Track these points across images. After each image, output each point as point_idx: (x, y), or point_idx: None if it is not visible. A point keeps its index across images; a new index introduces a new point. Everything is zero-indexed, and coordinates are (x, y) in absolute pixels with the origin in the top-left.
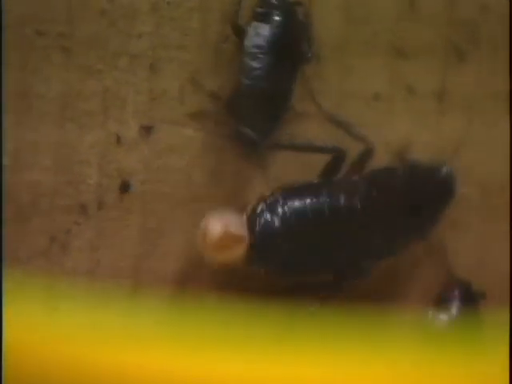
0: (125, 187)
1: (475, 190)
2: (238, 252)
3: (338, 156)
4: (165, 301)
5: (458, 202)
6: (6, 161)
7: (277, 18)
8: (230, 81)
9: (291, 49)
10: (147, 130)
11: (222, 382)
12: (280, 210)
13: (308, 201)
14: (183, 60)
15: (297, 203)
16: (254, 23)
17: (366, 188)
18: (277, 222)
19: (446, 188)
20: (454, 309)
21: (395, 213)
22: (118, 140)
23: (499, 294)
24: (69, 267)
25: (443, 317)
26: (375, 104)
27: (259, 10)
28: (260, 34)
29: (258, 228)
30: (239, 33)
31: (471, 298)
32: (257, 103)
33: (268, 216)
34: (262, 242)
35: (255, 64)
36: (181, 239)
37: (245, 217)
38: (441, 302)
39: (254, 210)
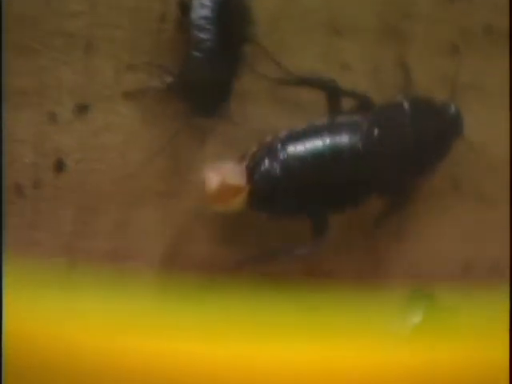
0: (60, 166)
1: None
2: (238, 201)
3: (332, 91)
4: (101, 279)
5: None
6: None
7: None
8: (170, 59)
9: (235, 19)
10: (82, 108)
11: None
12: (279, 154)
13: (308, 143)
14: (119, 39)
15: (296, 147)
16: None
17: (368, 126)
18: (276, 167)
19: (453, 126)
20: None
21: (400, 150)
22: (54, 119)
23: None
24: (5, 246)
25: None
26: None
27: None
28: (204, 4)
29: (257, 175)
30: (184, 8)
31: None
32: (208, 75)
33: (267, 162)
34: (262, 189)
35: (203, 35)
36: (117, 217)
37: (244, 165)
38: None
39: (253, 157)
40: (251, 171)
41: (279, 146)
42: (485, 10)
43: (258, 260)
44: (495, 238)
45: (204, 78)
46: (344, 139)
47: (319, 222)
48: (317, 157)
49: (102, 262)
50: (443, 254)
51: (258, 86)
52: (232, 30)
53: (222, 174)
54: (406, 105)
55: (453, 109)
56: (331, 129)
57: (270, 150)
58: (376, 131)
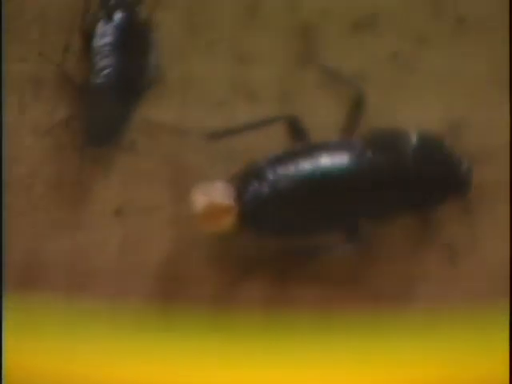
0: None
1: None
2: (228, 221)
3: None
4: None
5: None
6: None
7: (119, 16)
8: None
9: (139, 48)
10: None
11: None
12: (268, 174)
13: (297, 163)
14: (23, 71)
15: (286, 166)
16: (99, 23)
17: (362, 149)
18: (265, 188)
19: (459, 185)
20: None
21: (393, 180)
22: None
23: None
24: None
25: None
26: (218, 111)
27: (101, 10)
28: (105, 32)
29: (246, 195)
30: (87, 36)
31: None
32: (108, 101)
33: (256, 182)
34: (252, 210)
35: (105, 62)
36: (23, 249)
37: (232, 185)
38: None
39: (241, 177)
40: (240, 191)
41: (268, 166)
42: (392, 37)
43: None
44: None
45: (103, 107)
46: (335, 160)
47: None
48: (306, 177)
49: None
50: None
51: (166, 116)
52: (135, 59)
53: (210, 195)
54: (413, 137)
55: (466, 166)
56: (322, 149)
57: (259, 170)
58: (370, 154)
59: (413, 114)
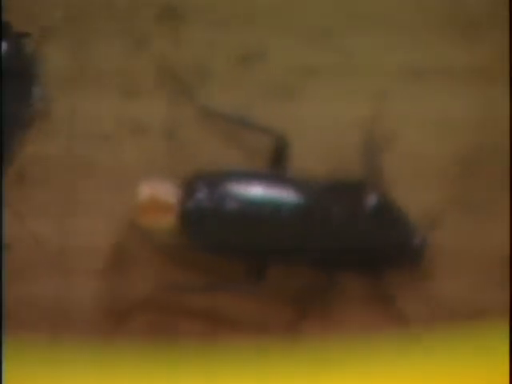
0: None
1: None
2: (167, 220)
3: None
4: None
5: None
6: None
7: (4, 46)
8: None
9: (22, 79)
10: None
11: None
12: (219, 188)
13: (250, 188)
14: None
15: (238, 187)
16: None
17: (318, 194)
18: (209, 201)
19: (409, 255)
20: None
21: (340, 232)
22: None
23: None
24: None
25: None
26: (104, 145)
27: None
28: None
29: (190, 201)
30: None
31: None
32: None
33: (204, 191)
34: (191, 215)
35: None
36: None
37: (180, 188)
38: None
39: (190, 183)
40: (185, 195)
41: (221, 180)
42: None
43: (189, 289)
44: None
45: None
46: (287, 194)
47: (255, 268)
48: (253, 203)
49: None
50: None
51: (54, 148)
52: (19, 91)
53: (155, 190)
54: (373, 197)
55: (420, 237)
56: (280, 181)
57: (211, 181)
58: (324, 200)
59: (302, 144)
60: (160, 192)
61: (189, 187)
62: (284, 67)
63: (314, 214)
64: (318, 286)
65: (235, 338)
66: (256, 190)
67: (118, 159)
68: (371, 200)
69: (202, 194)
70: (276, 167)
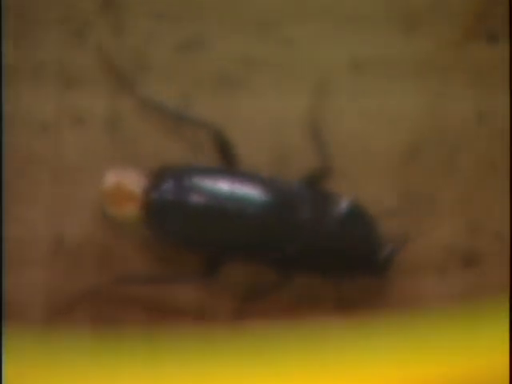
0: None
1: None
2: (131, 208)
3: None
4: None
5: None
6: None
7: None
8: None
9: None
10: None
11: None
12: (185, 182)
13: (216, 184)
14: None
15: (201, 182)
16: None
17: (288, 198)
18: (173, 194)
19: (374, 268)
20: None
21: (312, 240)
22: None
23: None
24: None
25: None
26: (43, 134)
27: None
28: None
29: (155, 192)
30: None
31: None
32: None
33: (170, 183)
34: (155, 205)
35: None
36: None
37: (147, 177)
38: None
39: (156, 174)
40: (151, 186)
41: (188, 173)
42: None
43: (140, 281)
44: None
45: None
46: (254, 194)
47: (211, 262)
48: (219, 200)
49: None
50: None
51: None
52: None
53: (121, 177)
54: (344, 205)
55: (388, 251)
56: (246, 179)
57: (178, 174)
58: (296, 203)
59: (243, 135)
60: (126, 180)
61: (155, 178)
62: (224, 58)
63: (278, 214)
64: (270, 283)
65: (179, 325)
66: (222, 186)
67: (58, 149)
68: (341, 206)
69: (167, 186)
70: (224, 161)
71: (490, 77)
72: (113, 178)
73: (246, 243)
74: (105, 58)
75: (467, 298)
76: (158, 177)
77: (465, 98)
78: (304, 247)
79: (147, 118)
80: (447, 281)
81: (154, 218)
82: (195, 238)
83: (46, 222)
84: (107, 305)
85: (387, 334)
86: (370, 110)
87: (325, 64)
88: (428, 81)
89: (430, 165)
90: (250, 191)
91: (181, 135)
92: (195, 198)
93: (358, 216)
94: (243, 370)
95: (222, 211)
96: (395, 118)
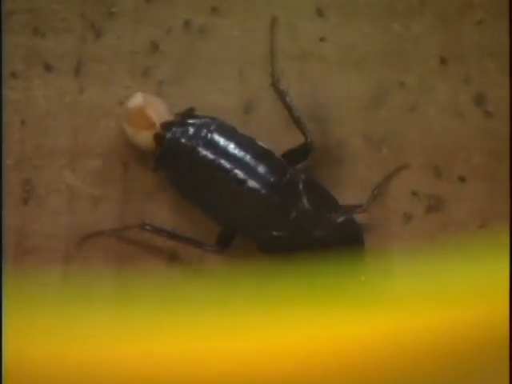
0: None
1: None
2: (145, 136)
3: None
4: None
5: None
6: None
7: None
8: None
9: None
10: None
11: None
12: (202, 134)
13: (230, 150)
14: None
15: (218, 141)
16: None
17: (289, 182)
18: (186, 141)
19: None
20: None
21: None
22: None
23: None
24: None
25: None
26: (15, 83)
27: None
28: None
29: (170, 132)
30: None
31: None
32: None
33: (188, 131)
34: (167, 145)
35: None
36: None
37: (172, 115)
38: None
39: (183, 116)
40: (171, 123)
41: (210, 128)
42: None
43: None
44: None
45: None
46: (261, 171)
47: (225, 233)
48: (228, 166)
49: None
50: None
51: None
52: None
53: (148, 103)
54: (340, 217)
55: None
56: (260, 155)
57: (200, 125)
58: (296, 195)
59: (205, 84)
60: (150, 107)
61: (179, 117)
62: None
63: (279, 200)
64: None
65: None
66: (236, 153)
67: (26, 97)
68: (338, 217)
69: (184, 130)
70: None
71: (454, 21)
72: (138, 100)
73: (242, 216)
74: (73, 5)
75: (431, 241)
76: (181, 117)
77: (429, 43)
78: (291, 236)
79: (115, 65)
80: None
81: (163, 157)
82: (194, 191)
83: (16, 168)
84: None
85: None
86: (333, 56)
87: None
88: (391, 25)
89: (395, 110)
90: (261, 169)
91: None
92: (205, 153)
93: (351, 230)
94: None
95: (227, 177)
96: (359, 63)
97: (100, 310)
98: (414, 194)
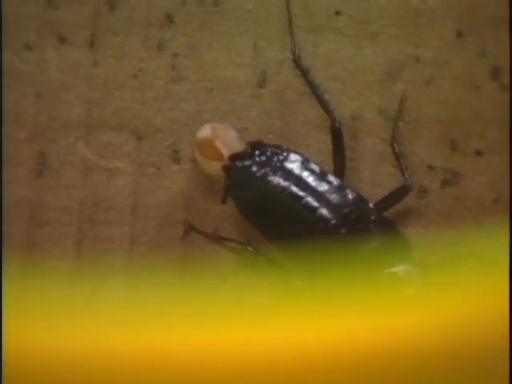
0: None
1: None
2: (214, 167)
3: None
4: None
5: None
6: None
7: None
8: None
9: None
10: None
11: None
12: (271, 164)
13: (298, 181)
14: None
15: (289, 173)
16: None
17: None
18: (256, 171)
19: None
20: None
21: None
22: None
23: None
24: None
25: None
26: (27, 54)
27: None
28: None
29: (237, 166)
30: None
31: None
32: None
33: (256, 160)
34: (235, 180)
35: None
36: None
37: (244, 146)
38: None
39: (252, 147)
40: (242, 154)
41: (279, 157)
42: None
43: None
44: None
45: None
46: (333, 201)
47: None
48: (297, 199)
49: None
50: None
51: None
52: None
53: (216, 135)
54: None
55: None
56: (332, 184)
57: (271, 154)
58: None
59: (219, 57)
60: (221, 140)
61: (249, 147)
62: None
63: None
64: None
65: None
66: (305, 186)
67: (41, 70)
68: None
69: (255, 161)
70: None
71: None
72: (207, 132)
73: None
74: None
75: (447, 217)
76: (250, 148)
77: (445, 16)
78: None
79: (128, 37)
80: (428, 199)
81: (232, 188)
82: (260, 220)
83: (30, 140)
84: None
85: None
86: (348, 29)
87: None
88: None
89: (410, 84)
90: (334, 198)
91: None
92: (276, 185)
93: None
94: None
95: (299, 205)
96: (375, 37)
97: (112, 289)
98: (430, 167)
